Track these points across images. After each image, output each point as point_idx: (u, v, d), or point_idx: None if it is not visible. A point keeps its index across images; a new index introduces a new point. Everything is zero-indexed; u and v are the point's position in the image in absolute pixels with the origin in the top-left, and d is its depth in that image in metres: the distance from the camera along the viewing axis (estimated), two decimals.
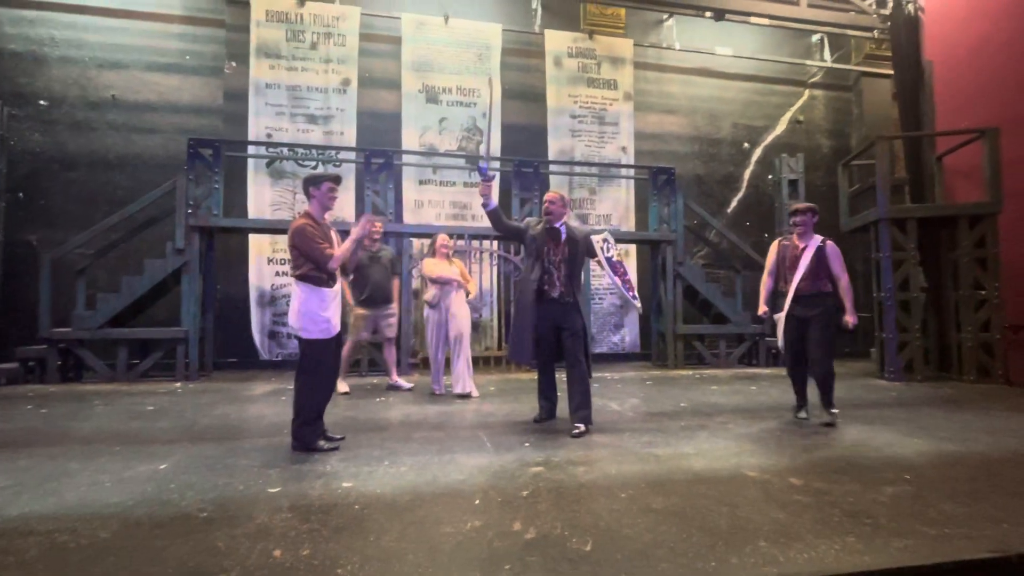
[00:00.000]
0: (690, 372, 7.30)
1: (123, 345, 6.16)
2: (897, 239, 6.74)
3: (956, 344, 6.68)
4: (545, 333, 3.81)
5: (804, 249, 4.13)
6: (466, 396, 5.10)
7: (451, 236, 5.69)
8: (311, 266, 3.32)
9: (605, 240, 4.09)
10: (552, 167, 8.54)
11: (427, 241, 7.86)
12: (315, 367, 3.35)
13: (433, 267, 5.29)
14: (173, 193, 6.44)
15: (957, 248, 6.70)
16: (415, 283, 7.46)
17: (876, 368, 7.09)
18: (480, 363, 7.44)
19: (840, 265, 4.11)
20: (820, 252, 4.10)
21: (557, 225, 3.87)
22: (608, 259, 3.99)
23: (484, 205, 3.77)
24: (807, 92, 10.15)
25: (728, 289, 8.47)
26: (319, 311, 3.32)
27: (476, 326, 7.78)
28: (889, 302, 6.66)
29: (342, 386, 5.33)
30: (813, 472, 2.89)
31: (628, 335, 8.86)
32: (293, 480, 2.70)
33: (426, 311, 5.39)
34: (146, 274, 6.28)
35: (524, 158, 7.93)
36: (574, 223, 4.00)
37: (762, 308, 4.29)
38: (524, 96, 8.84)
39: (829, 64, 9.97)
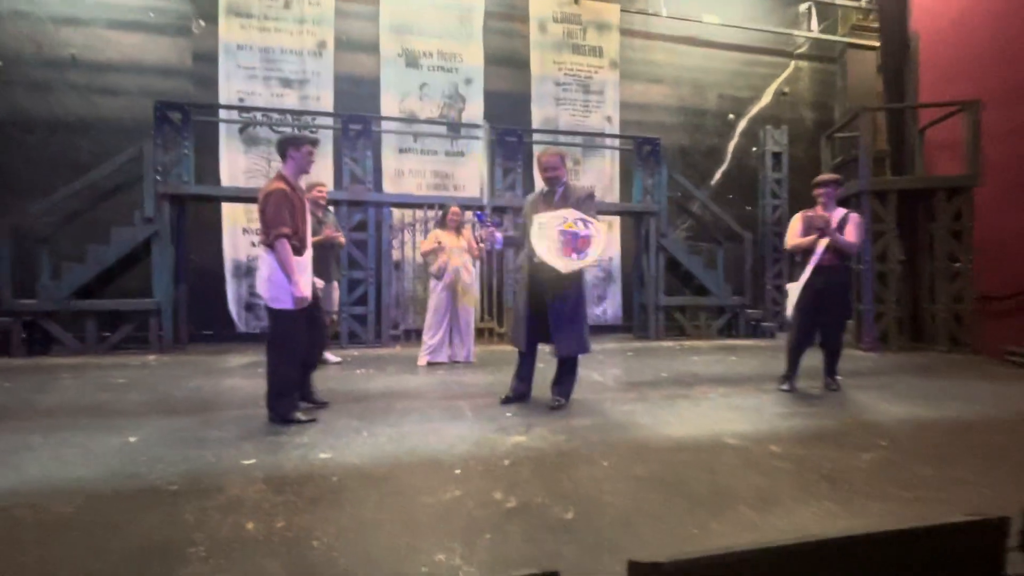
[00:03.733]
0: (671, 343, 7.35)
1: (92, 317, 5.95)
2: (878, 211, 6.78)
3: (930, 315, 6.82)
4: (535, 308, 3.57)
5: (831, 223, 4.01)
6: (468, 363, 5.35)
7: (432, 207, 5.67)
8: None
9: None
10: (536, 136, 8.37)
11: (407, 212, 7.75)
12: (285, 337, 3.23)
13: (434, 238, 5.39)
14: (140, 159, 6.16)
15: (934, 220, 6.78)
16: (396, 254, 7.32)
17: (852, 338, 7.20)
18: None
19: (856, 231, 4.00)
20: (843, 223, 4.02)
21: (557, 188, 3.60)
22: (547, 223, 3.38)
23: (492, 246, 3.68)
24: (793, 63, 10.04)
25: (710, 261, 8.49)
26: (287, 279, 3.20)
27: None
28: (868, 274, 6.73)
29: (331, 357, 5.40)
30: (792, 439, 2.91)
31: (610, 307, 8.87)
32: (268, 452, 2.64)
33: (432, 282, 5.40)
34: (113, 243, 6.04)
35: (508, 126, 7.74)
36: (574, 184, 3.79)
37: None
38: (508, 62, 8.58)
39: (815, 35, 9.85)
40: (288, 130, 7.50)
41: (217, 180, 7.22)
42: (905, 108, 7.46)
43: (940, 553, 1.34)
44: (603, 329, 8.68)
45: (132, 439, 2.82)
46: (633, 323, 8.43)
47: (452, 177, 8.23)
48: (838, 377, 4.16)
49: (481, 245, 4.24)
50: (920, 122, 7.72)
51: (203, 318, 7.20)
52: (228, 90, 7.39)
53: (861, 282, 6.84)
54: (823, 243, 3.97)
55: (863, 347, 6.71)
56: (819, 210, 4.10)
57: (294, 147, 3.26)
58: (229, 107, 7.22)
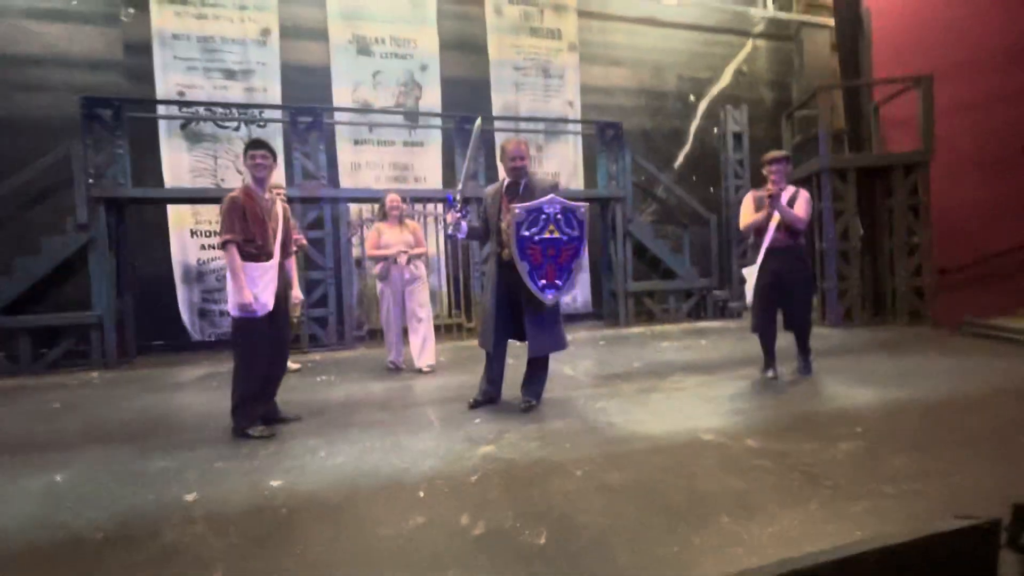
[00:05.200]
0: (642, 329, 7.30)
1: (25, 335, 5.49)
2: (838, 189, 6.83)
3: (891, 289, 6.94)
4: (503, 306, 3.41)
5: (781, 194, 3.87)
6: (429, 371, 4.77)
7: (402, 197, 5.05)
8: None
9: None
10: (496, 123, 8.13)
11: (366, 207, 7.44)
12: (245, 346, 3.12)
13: (378, 236, 4.79)
14: (69, 161, 5.68)
15: (892, 196, 6.88)
16: (355, 251, 7.03)
17: (817, 316, 7.29)
18: None
19: (805, 208, 3.87)
20: (794, 200, 3.88)
21: (520, 181, 3.39)
22: (527, 237, 3.16)
23: (455, 234, 3.33)
24: (751, 42, 10.05)
25: (676, 245, 8.47)
26: (246, 285, 3.01)
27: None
28: (831, 251, 6.80)
29: (291, 364, 5.00)
30: (768, 432, 2.84)
31: (579, 295, 8.77)
32: (214, 483, 2.41)
33: (379, 285, 4.92)
34: (45, 254, 5.58)
35: (466, 114, 7.48)
36: (537, 175, 3.54)
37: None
38: (465, 47, 8.29)
39: (771, 13, 9.86)
40: (234, 125, 7.09)
41: (159, 180, 6.76)
42: (860, 86, 7.51)
43: (932, 563, 1.25)
44: (573, 317, 8.58)
45: (59, 478, 2.54)
46: (603, 310, 8.37)
47: (412, 168, 7.95)
48: (811, 359, 4.08)
49: (448, 231, 3.84)
50: (875, 98, 7.81)
51: (153, 328, 6.77)
52: (166, 83, 6.90)
53: (825, 260, 6.91)
54: (775, 220, 3.88)
55: (828, 323, 6.80)
56: (770, 187, 3.94)
57: (245, 156, 3.16)
58: (165, 102, 6.74)
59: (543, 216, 3.24)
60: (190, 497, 2.26)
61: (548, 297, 3.28)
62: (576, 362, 5.03)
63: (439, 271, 7.49)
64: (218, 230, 3.11)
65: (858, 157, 7.14)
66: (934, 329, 6.31)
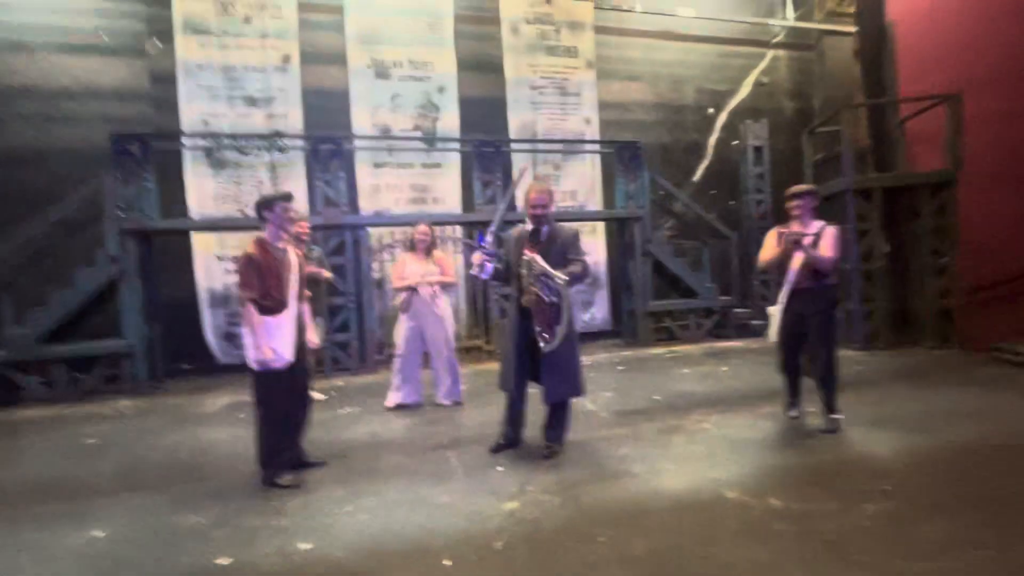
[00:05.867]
0: (661, 350, 7.27)
1: (59, 363, 5.69)
2: (862, 209, 6.72)
3: (916, 311, 6.81)
4: (521, 349, 3.43)
5: (804, 235, 3.67)
6: (452, 406, 4.75)
7: (429, 226, 4.86)
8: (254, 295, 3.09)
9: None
10: (514, 145, 8.16)
11: (385, 231, 7.53)
12: (267, 399, 3.18)
13: (403, 266, 4.76)
14: (100, 195, 5.87)
15: (918, 216, 6.74)
16: (376, 275, 7.12)
17: (842, 338, 7.18)
18: None
19: (832, 247, 3.66)
20: (819, 238, 3.67)
21: (541, 227, 3.45)
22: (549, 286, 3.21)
23: (479, 275, 3.39)
24: (770, 53, 9.91)
25: (695, 261, 8.41)
26: (264, 341, 3.08)
27: None
28: (855, 273, 6.69)
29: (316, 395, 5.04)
30: (791, 488, 2.82)
31: (598, 313, 8.76)
32: (244, 543, 2.48)
33: (401, 316, 4.82)
34: (78, 286, 5.77)
35: (483, 137, 7.54)
36: (561, 224, 3.57)
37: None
38: (481, 67, 8.33)
39: (792, 23, 9.71)
40: (256, 149, 7.22)
41: (184, 207, 6.93)
42: (886, 104, 7.38)
43: None
44: (592, 335, 8.57)
45: (98, 533, 2.64)
46: (622, 328, 8.34)
47: (430, 190, 8.01)
48: (837, 416, 3.73)
49: (472, 270, 3.87)
50: (900, 113, 7.66)
51: (180, 351, 6.95)
52: (190, 112, 7.07)
53: (849, 282, 6.80)
54: (797, 261, 3.66)
55: (853, 347, 6.69)
56: (794, 225, 3.79)
57: (267, 208, 3.18)
58: (191, 135, 6.89)
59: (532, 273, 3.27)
60: (223, 561, 2.33)
61: (544, 346, 3.28)
62: (596, 393, 5.02)
63: (458, 293, 7.55)
64: (238, 286, 3.17)
65: (883, 177, 7.02)
66: (962, 353, 6.17)
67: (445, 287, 4.80)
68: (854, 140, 7.30)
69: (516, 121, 8.36)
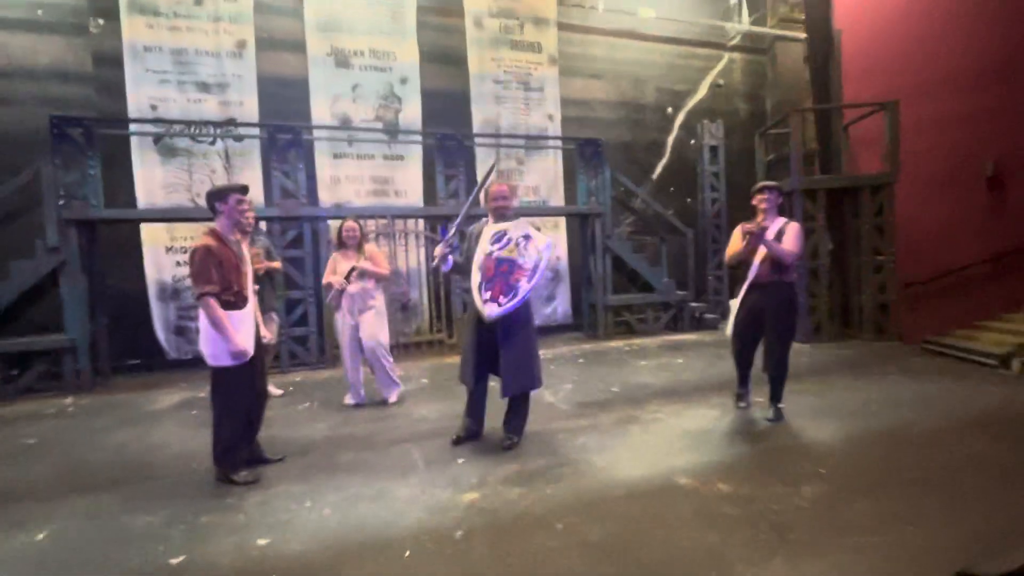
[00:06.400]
0: (620, 343, 7.45)
1: None
2: (808, 208, 7.05)
3: (857, 306, 7.21)
4: (483, 341, 3.48)
5: (766, 231, 3.74)
6: (392, 403, 4.64)
7: (361, 219, 4.71)
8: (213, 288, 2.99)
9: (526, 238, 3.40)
10: (477, 139, 8.16)
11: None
12: (228, 395, 3.10)
13: (333, 266, 4.55)
14: (38, 182, 5.55)
15: (859, 215, 7.13)
16: None
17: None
18: (412, 348, 7.23)
19: (795, 241, 3.71)
20: (782, 233, 3.75)
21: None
22: (489, 251, 3.31)
23: (440, 267, 3.44)
24: (726, 56, 10.23)
25: (653, 257, 8.64)
26: (233, 335, 3.01)
27: (405, 307, 7.50)
28: (801, 269, 7.02)
29: (274, 390, 4.94)
30: (738, 473, 2.98)
31: (560, 306, 8.88)
32: (199, 541, 2.43)
33: (336, 315, 4.64)
34: (14, 279, 5.45)
35: (446, 130, 7.51)
36: (521, 219, 3.59)
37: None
38: (445, 60, 8.28)
39: (746, 27, 10.04)
40: (210, 139, 6.97)
41: (132, 197, 6.63)
42: (831, 109, 7.74)
43: None
44: (554, 329, 8.70)
45: (40, 536, 2.54)
46: (583, 321, 8.49)
47: (392, 182, 7.92)
48: (781, 406, 3.90)
49: (433, 263, 3.85)
50: (844, 118, 8.06)
51: (128, 347, 6.67)
52: (137, 96, 6.75)
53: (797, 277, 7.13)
54: (760, 254, 3.74)
55: (798, 339, 7.03)
56: (759, 218, 3.87)
57: (220, 200, 3.07)
58: (137, 120, 6.58)
59: (506, 236, 3.41)
60: (176, 561, 2.28)
61: (489, 312, 3.30)
62: (557, 386, 5.13)
63: (420, 287, 7.52)
64: (191, 282, 3.02)
65: (828, 178, 7.37)
66: (897, 345, 6.59)
67: (379, 282, 4.59)
68: (802, 143, 7.64)
69: (479, 114, 8.36)
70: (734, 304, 3.97)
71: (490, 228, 3.47)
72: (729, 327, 4.01)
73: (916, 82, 7.41)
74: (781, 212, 4.01)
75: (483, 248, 3.40)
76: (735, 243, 3.97)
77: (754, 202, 3.95)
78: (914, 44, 7.60)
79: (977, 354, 5.50)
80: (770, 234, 3.75)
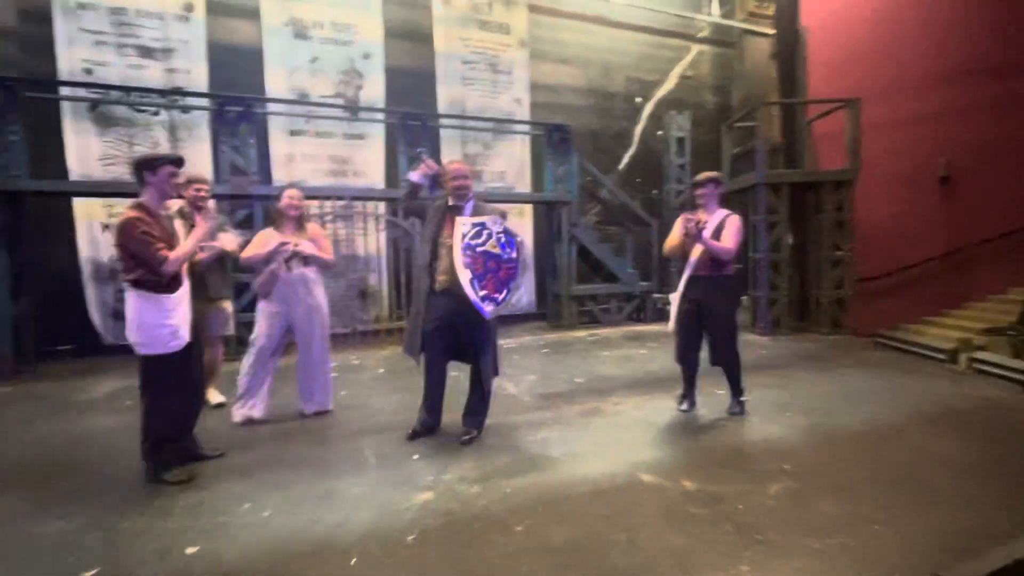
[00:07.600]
0: (584, 333, 7.38)
1: None
2: (772, 202, 7.11)
3: (815, 299, 7.35)
4: (438, 325, 3.29)
5: (706, 224, 3.62)
6: (322, 413, 3.91)
7: (318, 199, 4.02)
8: (144, 270, 2.69)
9: (492, 222, 3.26)
10: (442, 120, 7.88)
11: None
12: (159, 386, 2.81)
13: (261, 240, 3.67)
14: None
15: (821, 210, 7.24)
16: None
17: (748, 321, 7.61)
18: (370, 336, 6.96)
19: (734, 237, 3.60)
20: (721, 227, 3.65)
21: (464, 203, 3.35)
22: (471, 245, 3.16)
23: (418, 179, 3.42)
24: (695, 47, 10.22)
25: (619, 246, 8.59)
26: (159, 321, 2.75)
27: (364, 294, 7.22)
28: (763, 262, 7.09)
29: (215, 396, 4.17)
30: (703, 470, 2.90)
31: (524, 296, 8.74)
32: (118, 549, 2.18)
33: (259, 302, 3.76)
34: None
35: (410, 110, 7.21)
36: (482, 201, 3.46)
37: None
38: (410, 36, 7.94)
39: (715, 19, 10.04)
40: (153, 109, 6.47)
41: (63, 169, 6.09)
42: (796, 104, 7.81)
43: None
44: (518, 318, 8.57)
45: None
46: (547, 310, 8.39)
47: (351, 162, 7.58)
48: (743, 399, 3.84)
49: (411, 173, 3.45)
50: (808, 114, 8.16)
51: (59, 331, 6.16)
52: (70, 58, 6.19)
53: (757, 270, 7.20)
54: (698, 248, 3.64)
55: (758, 331, 7.12)
56: (699, 213, 3.76)
57: (149, 170, 2.75)
58: (69, 83, 6.04)
59: (486, 231, 3.27)
60: (88, 575, 2.03)
61: (486, 310, 3.16)
62: (520, 376, 5.00)
63: (381, 272, 7.24)
64: (128, 259, 2.69)
65: (791, 173, 7.45)
66: (851, 339, 6.74)
67: (321, 270, 3.81)
68: (768, 137, 7.70)
69: (445, 95, 8.08)
70: (674, 298, 3.84)
71: (465, 219, 3.26)
72: (671, 321, 3.86)
73: (877, 83, 7.54)
74: (723, 204, 3.90)
75: (457, 236, 3.19)
76: (674, 236, 3.83)
77: (694, 195, 3.87)
78: (876, 46, 7.73)
79: (926, 348, 5.65)
80: (710, 227, 3.64)
